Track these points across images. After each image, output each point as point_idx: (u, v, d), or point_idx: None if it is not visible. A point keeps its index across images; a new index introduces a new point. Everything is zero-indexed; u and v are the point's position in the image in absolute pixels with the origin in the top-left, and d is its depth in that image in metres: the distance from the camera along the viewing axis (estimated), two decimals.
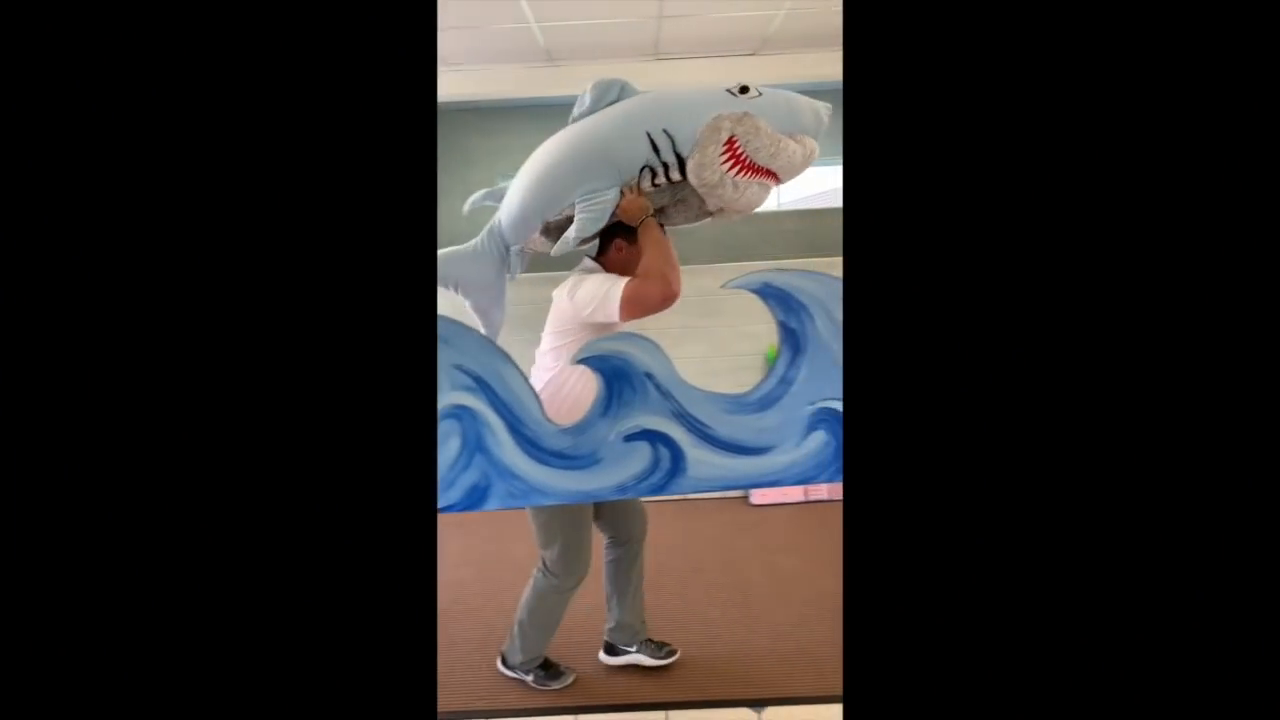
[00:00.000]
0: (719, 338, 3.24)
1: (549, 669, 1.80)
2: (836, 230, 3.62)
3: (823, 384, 1.38)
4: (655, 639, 1.88)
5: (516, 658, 1.79)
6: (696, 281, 3.32)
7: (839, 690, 1.65)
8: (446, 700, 1.72)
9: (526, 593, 1.75)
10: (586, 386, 1.38)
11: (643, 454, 1.36)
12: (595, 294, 1.46)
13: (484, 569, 2.40)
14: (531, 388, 1.32)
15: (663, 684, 1.76)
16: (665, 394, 1.36)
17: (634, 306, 1.42)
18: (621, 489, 1.37)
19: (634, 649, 1.85)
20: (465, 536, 2.65)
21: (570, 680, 1.80)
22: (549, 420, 1.33)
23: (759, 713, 1.65)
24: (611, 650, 1.87)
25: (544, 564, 1.71)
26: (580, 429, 1.34)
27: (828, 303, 1.36)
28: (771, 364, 1.37)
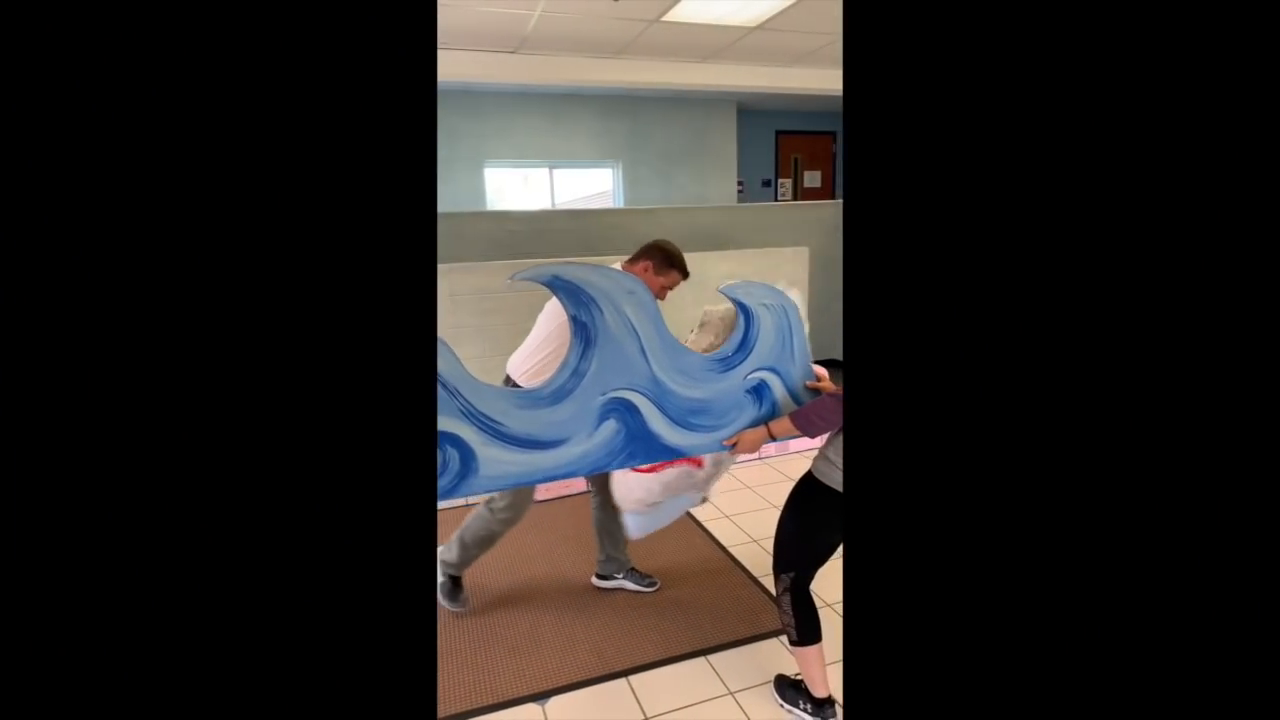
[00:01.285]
0: (498, 336, 3.17)
1: (456, 587, 2.03)
2: (608, 229, 3.78)
3: (612, 375, 1.42)
4: (638, 568, 2.20)
5: (442, 557, 2.00)
6: (473, 280, 3.23)
7: (618, 668, 1.77)
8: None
9: (471, 518, 1.96)
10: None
11: None
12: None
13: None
14: None
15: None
16: (453, 393, 1.29)
17: None
18: None
19: (620, 576, 2.16)
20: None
21: (463, 609, 2.02)
22: None
23: (543, 705, 1.66)
24: (602, 578, 2.18)
25: (490, 505, 1.92)
26: None
27: (615, 296, 1.40)
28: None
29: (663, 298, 1.78)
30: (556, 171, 5.68)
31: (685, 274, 1.85)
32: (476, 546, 1.96)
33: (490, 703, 1.66)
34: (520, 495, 1.88)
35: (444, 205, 5.16)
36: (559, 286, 1.38)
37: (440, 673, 1.76)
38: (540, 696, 1.68)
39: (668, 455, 1.50)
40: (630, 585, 2.16)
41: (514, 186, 5.69)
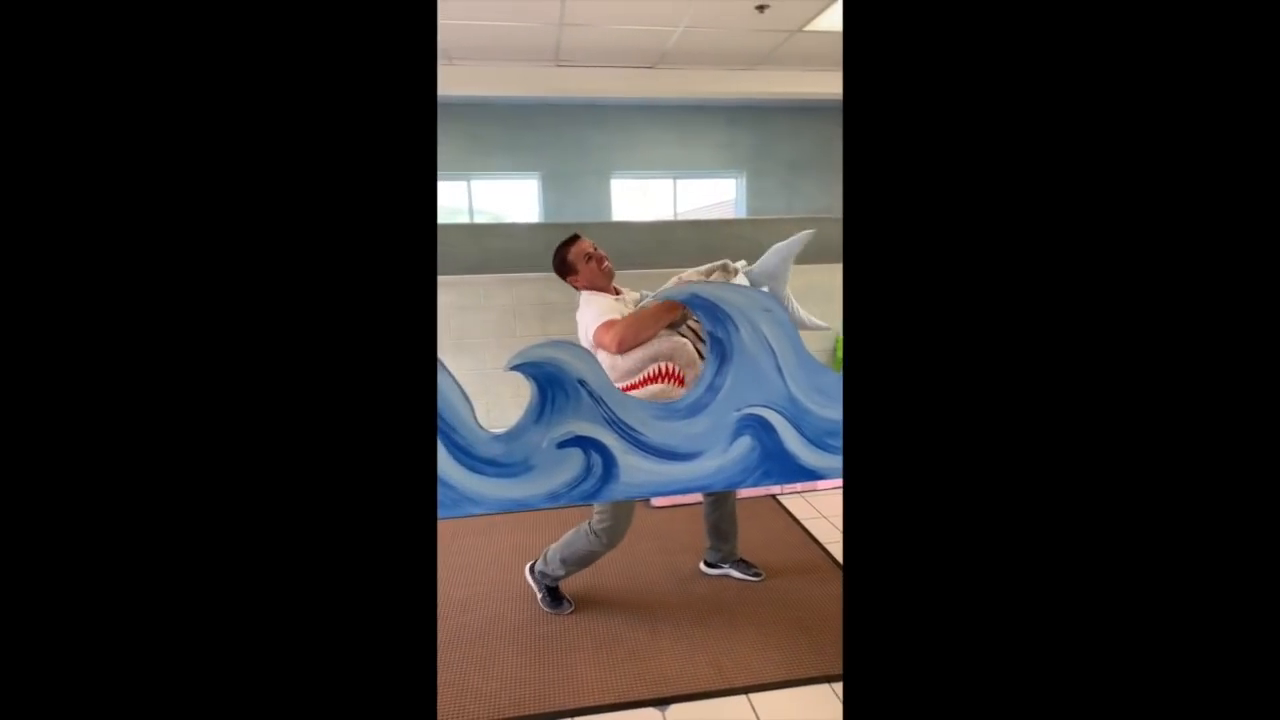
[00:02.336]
0: None
1: (556, 597, 2.09)
2: (730, 239, 3.80)
3: (747, 390, 1.44)
4: (746, 559, 2.25)
5: (541, 569, 2.08)
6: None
7: (738, 684, 1.78)
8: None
9: (570, 535, 2.00)
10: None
11: (575, 460, 1.36)
12: (581, 323, 1.86)
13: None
14: (464, 393, 1.28)
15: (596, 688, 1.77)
16: (598, 400, 1.37)
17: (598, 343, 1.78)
18: (553, 496, 1.36)
19: (727, 566, 2.23)
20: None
21: (568, 611, 2.07)
22: (480, 426, 1.30)
23: (663, 711, 1.69)
24: (710, 565, 2.26)
25: (591, 526, 1.94)
26: (513, 435, 1.32)
27: (751, 313, 1.43)
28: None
29: None
30: (679, 181, 5.77)
31: None
32: (576, 565, 2.03)
33: (612, 701, 1.73)
34: (620, 519, 1.92)
35: (570, 216, 5.39)
36: (697, 305, 1.42)
37: (565, 667, 1.84)
38: (661, 702, 1.73)
39: (805, 477, 1.50)
40: (736, 574, 2.21)
41: (633, 196, 5.84)
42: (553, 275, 2.00)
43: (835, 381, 1.49)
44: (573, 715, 1.67)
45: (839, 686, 1.78)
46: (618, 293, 1.96)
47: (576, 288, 1.95)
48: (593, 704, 1.71)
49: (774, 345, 1.45)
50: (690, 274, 1.80)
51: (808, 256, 2.01)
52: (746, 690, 1.77)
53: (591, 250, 1.92)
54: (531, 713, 1.68)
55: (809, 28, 3.56)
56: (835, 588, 2.19)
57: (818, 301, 1.94)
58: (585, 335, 1.82)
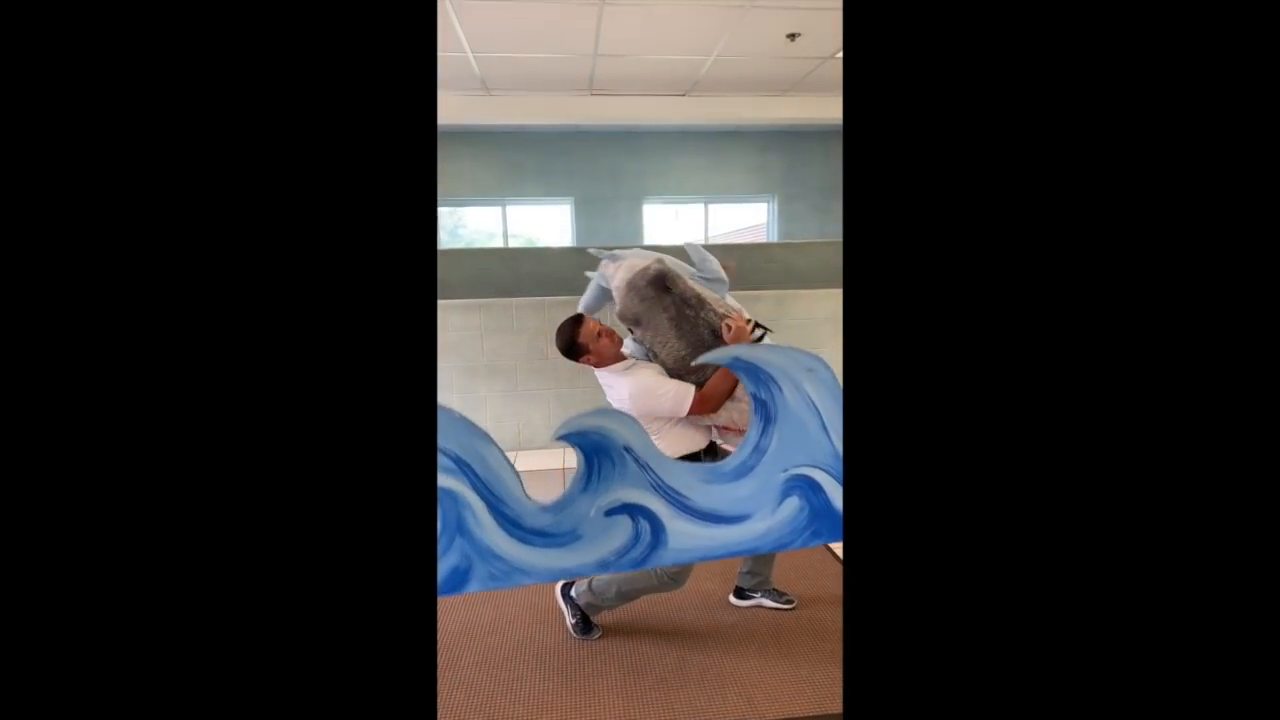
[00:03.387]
0: None
1: (589, 624, 2.08)
2: (763, 263, 3.79)
3: (794, 451, 1.44)
4: (778, 588, 2.21)
5: (587, 599, 2.04)
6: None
7: (769, 716, 1.75)
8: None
9: (636, 573, 1.98)
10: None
11: (624, 528, 1.37)
12: (626, 395, 1.89)
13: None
14: (511, 464, 1.31)
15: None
16: (644, 466, 1.38)
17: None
18: (603, 564, 1.37)
19: (759, 595, 2.19)
20: None
21: (596, 637, 2.06)
22: (529, 498, 1.32)
23: None
24: (740, 594, 2.21)
25: (664, 569, 1.94)
26: (561, 505, 1.34)
27: (794, 374, 1.43)
28: None
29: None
30: (711, 206, 5.78)
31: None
32: (628, 600, 2.04)
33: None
34: (686, 574, 1.95)
35: (603, 239, 5.44)
36: (739, 367, 1.43)
37: (592, 695, 1.84)
38: None
39: None
40: (769, 603, 2.19)
41: (665, 221, 5.87)
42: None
43: None
44: None
45: None
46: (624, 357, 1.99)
47: (592, 365, 1.95)
48: None
49: (818, 404, 1.44)
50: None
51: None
52: None
53: (600, 328, 1.93)
54: None
55: (839, 55, 3.56)
56: None
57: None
58: (630, 404, 1.84)
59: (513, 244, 5.84)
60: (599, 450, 1.35)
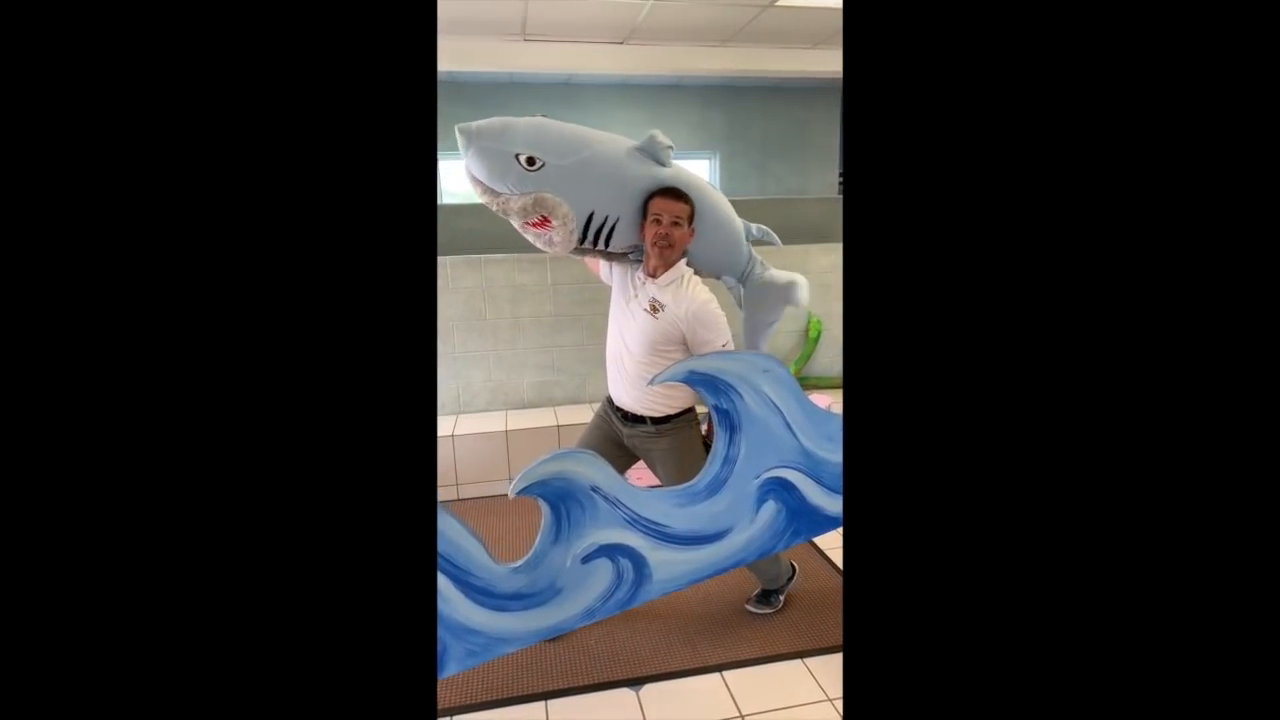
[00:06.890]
0: (595, 324, 3.20)
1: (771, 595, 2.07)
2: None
3: (763, 455, 1.39)
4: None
5: (764, 588, 2.05)
6: (575, 270, 3.24)
7: (712, 662, 1.75)
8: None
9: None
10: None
11: (604, 572, 1.29)
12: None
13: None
14: (474, 533, 1.20)
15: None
16: (614, 503, 1.30)
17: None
18: (589, 613, 1.29)
19: (780, 600, 2.07)
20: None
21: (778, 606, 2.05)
22: (496, 562, 1.22)
23: (637, 691, 1.71)
24: (762, 600, 2.08)
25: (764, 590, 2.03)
26: (534, 563, 1.25)
27: (752, 378, 1.37)
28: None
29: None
30: None
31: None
32: (774, 574, 2.04)
33: (586, 683, 1.73)
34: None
35: None
36: (696, 380, 1.36)
37: (545, 647, 1.84)
38: (634, 683, 1.73)
39: (834, 526, 1.46)
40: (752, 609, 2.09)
41: None
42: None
43: (840, 423, 1.45)
44: (546, 698, 1.68)
45: (813, 661, 1.80)
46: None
47: (659, 260, 1.68)
48: (566, 685, 1.72)
49: (779, 404, 1.39)
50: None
51: (781, 237, 1.97)
52: (720, 668, 1.78)
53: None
54: (505, 696, 1.69)
55: (781, 2, 3.45)
56: (836, 593, 2.17)
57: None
58: (685, 326, 1.65)
59: (447, 201, 5.53)
60: (564, 496, 1.25)
